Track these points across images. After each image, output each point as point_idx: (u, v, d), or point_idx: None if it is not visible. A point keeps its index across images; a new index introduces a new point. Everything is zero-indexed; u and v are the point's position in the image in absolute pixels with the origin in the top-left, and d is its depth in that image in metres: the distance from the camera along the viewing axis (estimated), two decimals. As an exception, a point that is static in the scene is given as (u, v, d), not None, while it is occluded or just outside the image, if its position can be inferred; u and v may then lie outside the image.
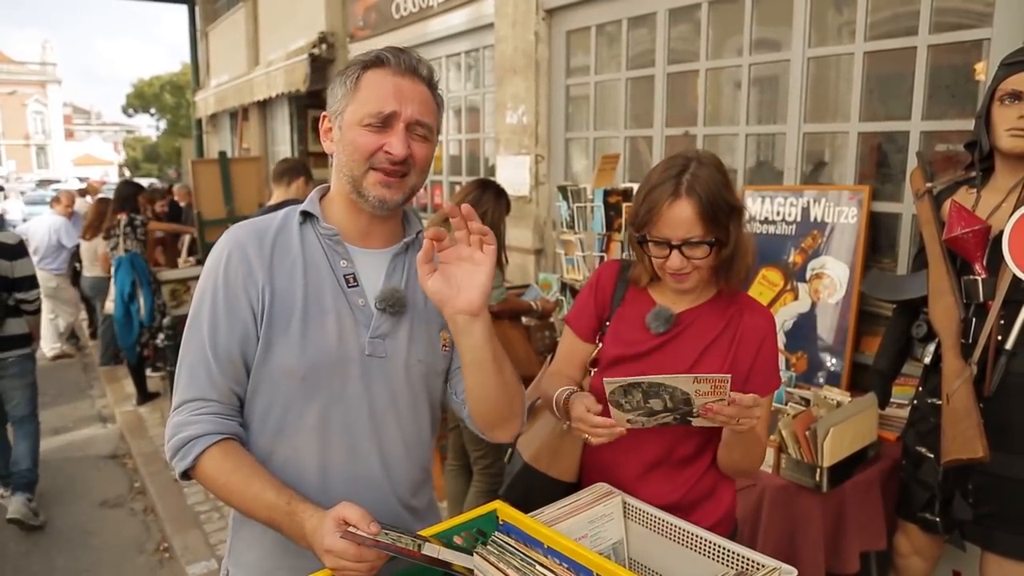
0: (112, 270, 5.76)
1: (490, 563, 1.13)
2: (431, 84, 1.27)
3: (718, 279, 1.54)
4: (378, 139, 1.21)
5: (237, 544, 1.35)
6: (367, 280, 1.29)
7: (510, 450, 1.76)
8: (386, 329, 1.28)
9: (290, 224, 1.29)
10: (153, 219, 6.86)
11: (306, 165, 4.20)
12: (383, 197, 1.23)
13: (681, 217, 1.42)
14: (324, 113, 1.29)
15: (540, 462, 1.67)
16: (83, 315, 7.98)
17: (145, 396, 5.89)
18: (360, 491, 1.26)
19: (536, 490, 1.62)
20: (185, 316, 1.29)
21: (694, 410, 1.34)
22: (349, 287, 1.27)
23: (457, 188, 5.36)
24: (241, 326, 1.22)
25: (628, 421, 1.38)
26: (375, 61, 1.23)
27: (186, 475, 1.20)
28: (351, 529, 1.06)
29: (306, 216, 1.30)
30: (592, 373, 1.64)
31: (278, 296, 1.22)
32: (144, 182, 7.61)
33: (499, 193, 3.15)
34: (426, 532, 1.18)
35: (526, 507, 1.37)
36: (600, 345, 1.63)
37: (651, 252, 1.49)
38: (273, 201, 3.88)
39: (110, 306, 5.86)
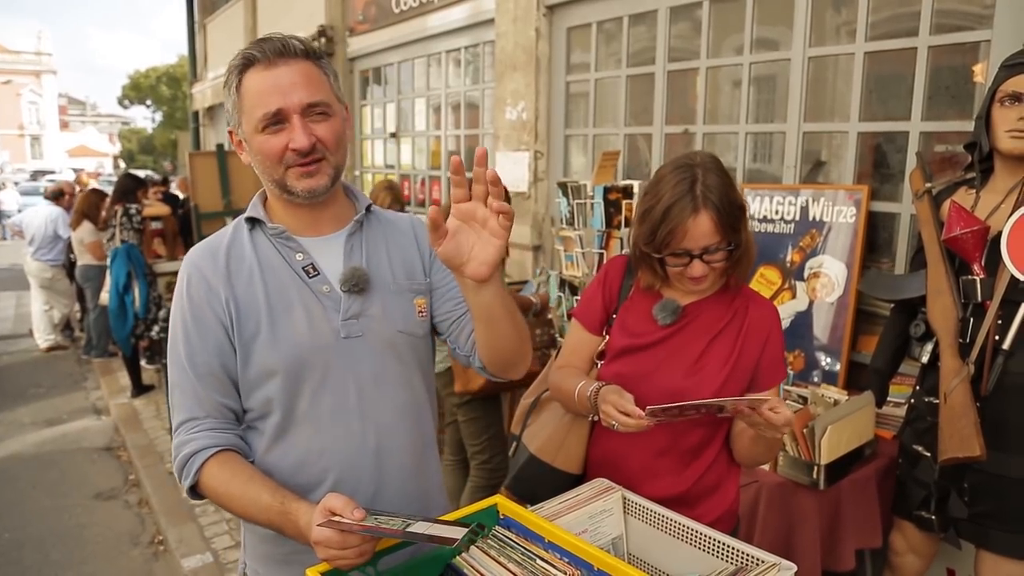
0: (108, 261, 5.73)
1: (491, 557, 1.14)
2: (309, 55, 1.23)
3: (727, 273, 1.57)
4: (281, 139, 1.21)
5: (250, 537, 1.38)
6: (328, 266, 1.31)
7: (515, 442, 1.77)
8: (357, 309, 1.29)
9: (240, 234, 1.32)
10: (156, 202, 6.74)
11: None
12: (310, 187, 1.24)
13: (703, 230, 1.44)
14: (229, 129, 1.31)
15: (546, 454, 1.68)
16: (77, 307, 7.95)
17: (140, 388, 5.87)
18: (359, 466, 1.30)
19: (541, 481, 1.63)
20: None
21: (727, 410, 1.38)
22: (311, 277, 1.29)
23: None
24: (215, 341, 1.26)
25: (658, 421, 1.40)
26: (246, 63, 1.22)
27: (194, 491, 1.25)
28: (334, 518, 1.07)
29: (253, 222, 1.32)
30: (599, 365, 1.65)
31: (241, 304, 1.26)
32: (139, 174, 7.50)
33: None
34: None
35: (531, 499, 1.38)
36: (607, 337, 1.65)
37: (669, 263, 1.51)
38: None
39: (105, 297, 5.83)
